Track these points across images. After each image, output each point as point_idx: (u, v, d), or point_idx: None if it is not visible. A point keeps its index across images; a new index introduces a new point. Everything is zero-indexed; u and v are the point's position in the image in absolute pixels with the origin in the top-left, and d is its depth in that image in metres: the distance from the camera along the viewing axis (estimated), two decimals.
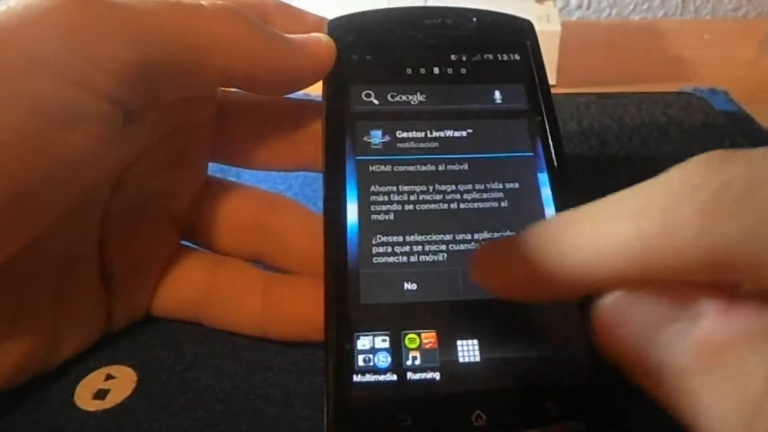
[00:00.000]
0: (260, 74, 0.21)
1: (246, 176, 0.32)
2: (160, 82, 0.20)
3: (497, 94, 0.25)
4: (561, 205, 0.22)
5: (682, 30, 0.60)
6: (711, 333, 0.13)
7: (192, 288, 0.24)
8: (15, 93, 0.17)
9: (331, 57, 0.24)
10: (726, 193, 0.12)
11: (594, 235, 0.14)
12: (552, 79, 0.47)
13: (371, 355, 0.19)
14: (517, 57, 0.26)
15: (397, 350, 0.20)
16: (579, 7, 0.67)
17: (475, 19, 0.26)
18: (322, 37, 0.24)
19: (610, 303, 0.14)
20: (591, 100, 0.40)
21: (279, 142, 0.25)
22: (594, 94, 0.41)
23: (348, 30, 0.25)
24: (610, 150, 0.35)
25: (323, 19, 0.26)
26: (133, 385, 0.23)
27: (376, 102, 0.24)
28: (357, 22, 0.25)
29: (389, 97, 0.24)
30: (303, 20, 0.25)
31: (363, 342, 0.20)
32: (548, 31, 0.47)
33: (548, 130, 0.24)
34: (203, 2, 0.20)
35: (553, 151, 0.23)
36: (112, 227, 0.23)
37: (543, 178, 0.23)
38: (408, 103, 0.24)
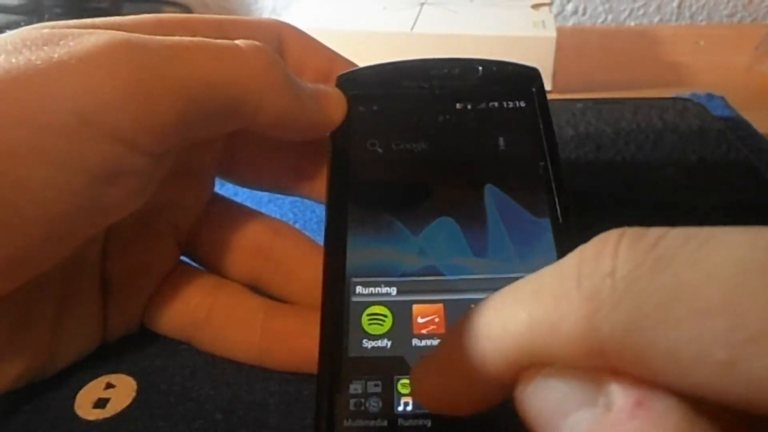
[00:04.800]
0: (279, 124, 0.22)
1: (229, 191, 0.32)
2: (195, 129, 0.20)
3: (501, 141, 0.25)
4: (561, 250, 0.22)
5: (677, 36, 0.60)
6: (616, 427, 0.12)
7: (188, 309, 0.24)
8: (64, 151, 0.17)
9: (342, 113, 0.24)
10: (608, 281, 0.12)
11: (492, 325, 0.13)
12: (548, 85, 0.48)
13: (363, 400, 0.19)
14: (522, 104, 0.26)
15: (389, 396, 0.19)
16: (574, 12, 0.68)
17: (480, 68, 0.26)
18: (336, 92, 0.25)
19: (521, 390, 0.13)
20: (587, 106, 0.40)
21: (284, 167, 0.26)
22: (590, 100, 0.41)
23: (356, 84, 0.25)
24: (606, 155, 0.35)
25: (334, 52, 0.26)
26: (133, 394, 0.23)
27: (380, 150, 0.25)
28: (364, 75, 0.26)
29: (393, 146, 0.25)
30: (316, 51, 0.26)
31: (355, 386, 0.19)
32: (544, 36, 0.47)
33: (552, 175, 0.23)
34: (239, 43, 0.20)
35: (556, 196, 0.23)
36: (115, 236, 0.23)
37: (545, 224, 0.23)
38: (411, 151, 0.25)
